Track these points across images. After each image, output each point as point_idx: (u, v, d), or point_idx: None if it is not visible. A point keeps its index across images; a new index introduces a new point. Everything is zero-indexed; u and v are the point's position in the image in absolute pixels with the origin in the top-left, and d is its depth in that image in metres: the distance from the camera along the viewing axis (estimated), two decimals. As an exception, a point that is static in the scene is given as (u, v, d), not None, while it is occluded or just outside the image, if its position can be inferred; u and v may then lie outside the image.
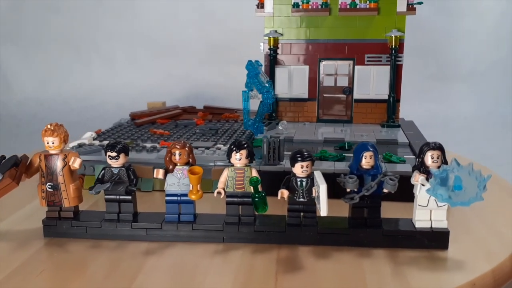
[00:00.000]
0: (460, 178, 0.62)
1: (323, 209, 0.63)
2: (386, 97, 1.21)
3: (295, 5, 1.21)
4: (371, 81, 1.23)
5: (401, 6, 1.17)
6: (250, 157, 0.70)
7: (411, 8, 1.17)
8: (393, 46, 1.17)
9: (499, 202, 0.88)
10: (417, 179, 0.66)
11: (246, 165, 0.71)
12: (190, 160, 0.72)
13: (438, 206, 0.68)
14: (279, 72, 1.25)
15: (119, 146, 0.71)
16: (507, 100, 1.86)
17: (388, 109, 1.21)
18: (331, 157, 0.93)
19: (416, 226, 0.69)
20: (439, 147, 0.67)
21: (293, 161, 0.68)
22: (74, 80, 2.07)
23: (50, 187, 0.72)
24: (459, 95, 1.92)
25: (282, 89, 1.27)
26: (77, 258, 0.67)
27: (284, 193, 0.68)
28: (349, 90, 1.24)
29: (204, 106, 1.42)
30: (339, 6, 1.19)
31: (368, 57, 1.21)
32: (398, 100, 1.22)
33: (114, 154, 0.70)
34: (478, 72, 1.92)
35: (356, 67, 1.22)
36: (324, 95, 1.26)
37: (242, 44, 1.65)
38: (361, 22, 1.20)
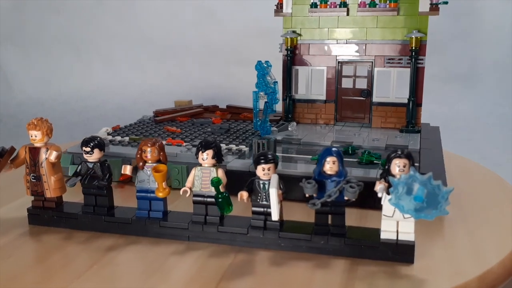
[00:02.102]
0: (423, 189, 0.59)
1: (274, 213, 0.62)
2: (406, 100, 1.16)
3: (313, 5, 1.19)
4: (391, 84, 1.18)
5: (424, 6, 1.11)
6: (217, 157, 0.70)
7: (434, 8, 1.11)
8: (414, 48, 1.12)
9: (497, 207, 0.82)
10: (377, 187, 0.63)
11: (213, 165, 0.70)
12: (161, 158, 0.72)
13: (404, 218, 0.64)
14: (296, 72, 1.23)
15: (93, 141, 0.73)
16: (507, 100, 1.76)
17: (408, 113, 1.16)
18: (326, 161, 0.90)
19: (381, 237, 0.65)
20: (406, 156, 0.63)
21: (256, 163, 0.67)
22: (75, 80, 2.12)
23: (33, 177, 0.76)
24: (459, 95, 1.84)
25: (300, 90, 1.25)
26: (46, 248, 0.70)
27: (243, 195, 0.67)
28: (367, 92, 1.20)
29: (226, 105, 1.43)
30: (357, 6, 1.15)
31: (388, 59, 1.16)
32: (419, 105, 1.16)
33: (88, 149, 0.73)
34: (478, 72, 1.84)
35: (376, 69, 1.18)
36: (343, 97, 1.22)
37: (253, 44, 1.64)
38: (380, 23, 1.15)
